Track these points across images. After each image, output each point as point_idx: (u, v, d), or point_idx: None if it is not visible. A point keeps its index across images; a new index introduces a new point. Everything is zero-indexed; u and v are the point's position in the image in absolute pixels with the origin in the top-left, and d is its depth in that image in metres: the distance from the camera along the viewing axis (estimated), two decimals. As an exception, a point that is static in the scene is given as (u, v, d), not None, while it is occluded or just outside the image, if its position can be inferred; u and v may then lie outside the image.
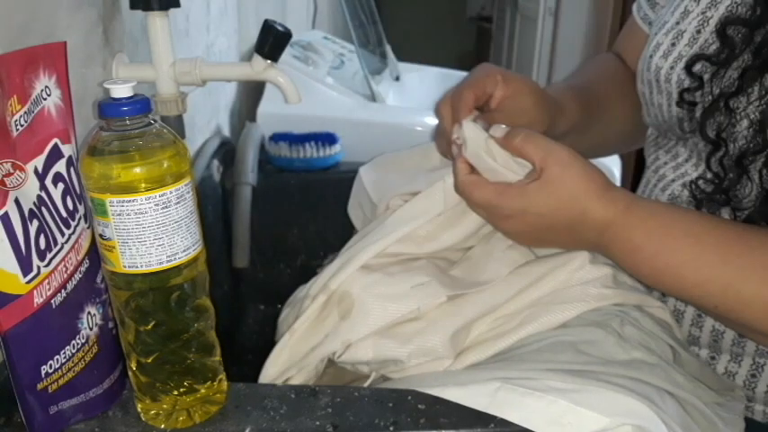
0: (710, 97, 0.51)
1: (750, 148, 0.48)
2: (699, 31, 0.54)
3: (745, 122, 0.49)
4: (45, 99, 0.39)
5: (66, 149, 0.40)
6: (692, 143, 0.56)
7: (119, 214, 0.37)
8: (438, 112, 0.60)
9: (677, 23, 0.57)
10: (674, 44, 0.56)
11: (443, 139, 0.59)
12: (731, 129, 0.50)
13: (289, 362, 0.53)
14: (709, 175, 0.53)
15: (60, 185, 0.40)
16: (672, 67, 0.56)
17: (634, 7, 0.71)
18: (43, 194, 0.38)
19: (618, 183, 1.09)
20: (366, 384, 0.52)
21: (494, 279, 0.52)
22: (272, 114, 1.13)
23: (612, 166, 1.13)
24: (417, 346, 0.49)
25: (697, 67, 0.53)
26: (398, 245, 0.55)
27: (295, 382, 0.53)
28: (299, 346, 0.53)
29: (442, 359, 0.49)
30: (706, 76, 0.52)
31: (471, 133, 0.52)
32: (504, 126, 0.51)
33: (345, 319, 0.51)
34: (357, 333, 0.50)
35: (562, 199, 0.47)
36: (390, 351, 0.50)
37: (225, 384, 0.44)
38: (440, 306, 0.52)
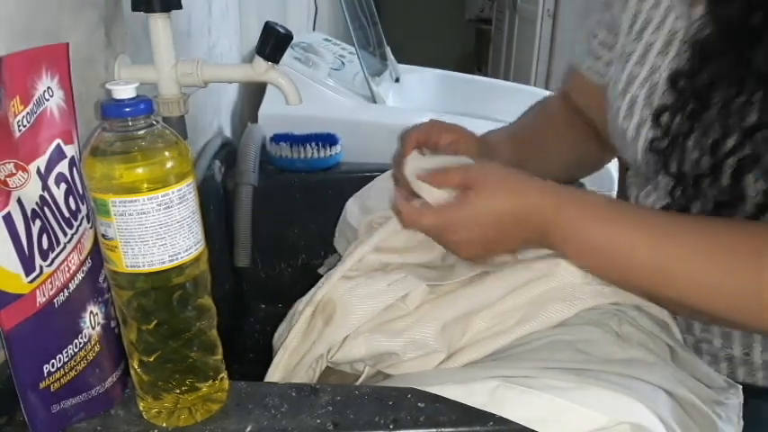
0: (669, 140, 0.57)
1: (702, 173, 0.54)
2: (651, 94, 0.60)
3: (695, 154, 0.54)
4: (48, 100, 0.39)
5: (69, 150, 0.41)
6: (662, 180, 0.61)
7: (121, 214, 0.38)
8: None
9: (627, 87, 0.63)
10: (630, 107, 0.62)
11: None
12: (688, 163, 0.55)
13: (283, 378, 0.55)
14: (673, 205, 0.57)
15: (63, 186, 0.40)
16: (637, 129, 0.62)
17: (577, 58, 0.77)
18: (46, 195, 0.38)
19: (614, 185, 1.09)
20: (360, 381, 0.52)
21: (473, 273, 0.54)
22: (274, 115, 1.13)
23: (611, 167, 1.13)
24: (409, 339, 0.50)
25: (663, 118, 0.58)
26: (379, 255, 0.57)
27: None
28: (292, 359, 0.55)
29: (436, 352, 0.50)
30: (668, 124, 0.58)
31: (410, 163, 0.58)
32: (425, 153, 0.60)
33: (329, 324, 0.53)
34: (341, 334, 0.51)
35: (501, 195, 0.50)
36: (383, 345, 0.50)
37: (226, 383, 0.44)
38: (429, 301, 0.53)
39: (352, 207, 0.72)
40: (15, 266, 0.36)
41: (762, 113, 0.49)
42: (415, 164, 0.58)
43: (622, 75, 0.64)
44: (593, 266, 0.52)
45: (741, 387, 0.49)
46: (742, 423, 0.47)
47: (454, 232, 0.52)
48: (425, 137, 0.65)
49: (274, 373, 0.55)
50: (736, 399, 0.48)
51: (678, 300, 0.48)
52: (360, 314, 0.52)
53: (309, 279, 0.59)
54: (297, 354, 0.55)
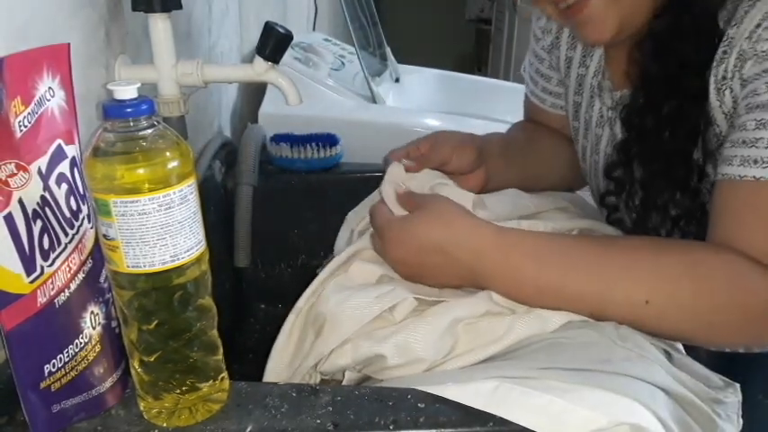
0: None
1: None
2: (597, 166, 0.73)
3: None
4: (49, 100, 0.39)
5: (70, 150, 0.41)
6: None
7: (122, 215, 0.38)
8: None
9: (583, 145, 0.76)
10: (583, 158, 0.76)
11: None
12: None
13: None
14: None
15: (64, 186, 0.40)
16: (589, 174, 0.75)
17: (528, 93, 0.84)
18: (47, 195, 0.38)
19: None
20: (346, 381, 0.53)
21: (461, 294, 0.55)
22: (274, 115, 1.13)
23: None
24: (394, 344, 0.50)
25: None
26: (371, 266, 0.58)
27: None
28: (285, 372, 0.56)
29: (421, 361, 0.50)
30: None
31: (393, 170, 0.64)
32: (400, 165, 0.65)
33: (319, 336, 0.54)
34: (328, 346, 0.52)
35: (435, 227, 0.54)
36: (369, 349, 0.51)
37: (227, 383, 0.44)
38: (416, 312, 0.53)
39: (351, 217, 0.73)
40: (16, 266, 0.36)
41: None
42: (398, 174, 0.63)
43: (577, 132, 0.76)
44: (536, 301, 0.53)
45: (739, 385, 0.49)
46: (741, 422, 0.47)
47: (390, 246, 0.56)
48: (426, 150, 0.68)
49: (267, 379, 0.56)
50: (734, 397, 0.48)
51: (620, 319, 0.51)
52: (348, 325, 0.52)
53: (309, 279, 0.60)
54: (291, 367, 0.56)
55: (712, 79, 0.56)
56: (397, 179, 0.63)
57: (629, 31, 0.59)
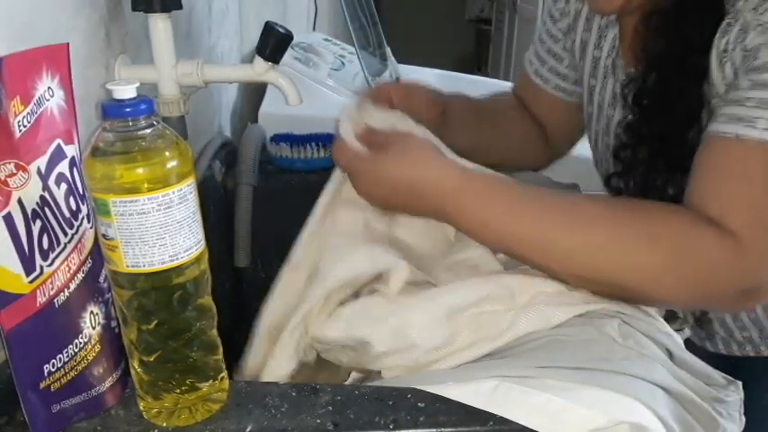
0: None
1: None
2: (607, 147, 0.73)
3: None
4: (48, 100, 0.39)
5: (69, 150, 0.41)
6: None
7: (121, 214, 0.38)
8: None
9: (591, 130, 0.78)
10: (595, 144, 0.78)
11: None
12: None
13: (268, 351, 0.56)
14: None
15: (63, 186, 0.40)
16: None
17: (531, 72, 0.83)
18: (46, 195, 0.38)
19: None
20: (348, 381, 0.53)
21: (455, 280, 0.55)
22: (274, 115, 1.13)
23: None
24: (389, 328, 0.50)
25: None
26: (354, 212, 0.59)
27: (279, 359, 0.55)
28: (275, 319, 0.58)
29: (414, 347, 0.50)
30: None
31: (359, 110, 0.62)
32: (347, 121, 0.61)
33: (310, 285, 0.55)
34: (318, 293, 0.53)
35: (404, 164, 0.55)
36: (361, 332, 0.51)
37: (226, 383, 0.44)
38: (413, 293, 0.53)
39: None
40: (16, 266, 0.36)
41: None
42: (361, 113, 0.61)
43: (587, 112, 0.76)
44: (483, 240, 0.55)
45: (741, 383, 0.49)
46: (744, 420, 0.47)
47: (359, 181, 0.58)
48: (398, 100, 0.68)
49: (259, 346, 0.57)
50: (736, 395, 0.48)
51: (561, 271, 0.52)
52: (340, 275, 0.53)
53: (309, 279, 0.59)
54: (283, 314, 0.57)
55: (714, 52, 0.55)
56: (354, 116, 0.61)
57: (638, 1, 0.59)
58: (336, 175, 0.62)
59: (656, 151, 0.62)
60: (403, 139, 0.58)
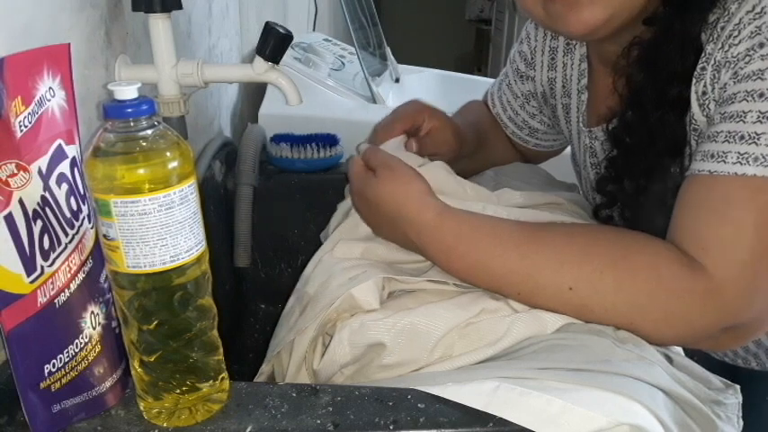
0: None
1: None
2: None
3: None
4: (49, 100, 0.39)
5: (70, 150, 0.41)
6: None
7: (122, 215, 0.38)
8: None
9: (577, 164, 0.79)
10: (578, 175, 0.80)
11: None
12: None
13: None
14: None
15: (64, 186, 0.40)
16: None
17: (506, 120, 0.86)
18: (47, 195, 0.38)
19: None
20: (341, 380, 0.53)
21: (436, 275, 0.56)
22: (274, 115, 1.13)
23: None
24: (392, 324, 0.51)
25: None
26: (353, 243, 0.61)
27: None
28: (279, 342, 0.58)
29: (416, 362, 0.50)
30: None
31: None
32: (365, 144, 0.68)
33: (302, 315, 0.57)
34: (307, 322, 0.55)
35: (383, 196, 0.58)
36: (367, 336, 0.51)
37: (227, 383, 0.44)
38: (402, 296, 0.55)
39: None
40: (16, 266, 0.36)
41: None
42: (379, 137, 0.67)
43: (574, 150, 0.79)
44: (466, 278, 0.55)
45: (739, 387, 0.49)
46: (742, 423, 0.47)
47: (354, 196, 0.63)
48: (410, 125, 0.72)
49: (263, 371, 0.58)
50: (734, 399, 0.48)
51: (548, 304, 0.52)
52: (322, 303, 0.54)
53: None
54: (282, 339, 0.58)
55: (694, 96, 0.56)
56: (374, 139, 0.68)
57: (617, 22, 0.57)
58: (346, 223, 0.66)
59: (641, 186, 0.61)
60: (398, 164, 0.60)
